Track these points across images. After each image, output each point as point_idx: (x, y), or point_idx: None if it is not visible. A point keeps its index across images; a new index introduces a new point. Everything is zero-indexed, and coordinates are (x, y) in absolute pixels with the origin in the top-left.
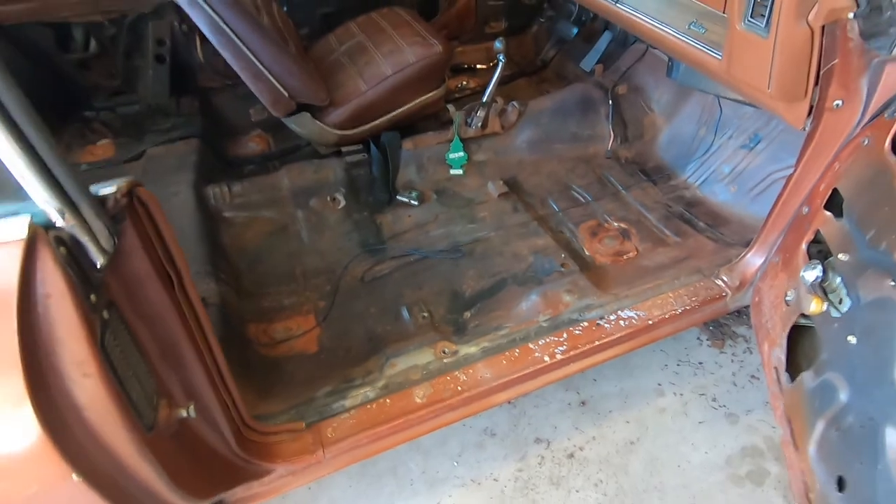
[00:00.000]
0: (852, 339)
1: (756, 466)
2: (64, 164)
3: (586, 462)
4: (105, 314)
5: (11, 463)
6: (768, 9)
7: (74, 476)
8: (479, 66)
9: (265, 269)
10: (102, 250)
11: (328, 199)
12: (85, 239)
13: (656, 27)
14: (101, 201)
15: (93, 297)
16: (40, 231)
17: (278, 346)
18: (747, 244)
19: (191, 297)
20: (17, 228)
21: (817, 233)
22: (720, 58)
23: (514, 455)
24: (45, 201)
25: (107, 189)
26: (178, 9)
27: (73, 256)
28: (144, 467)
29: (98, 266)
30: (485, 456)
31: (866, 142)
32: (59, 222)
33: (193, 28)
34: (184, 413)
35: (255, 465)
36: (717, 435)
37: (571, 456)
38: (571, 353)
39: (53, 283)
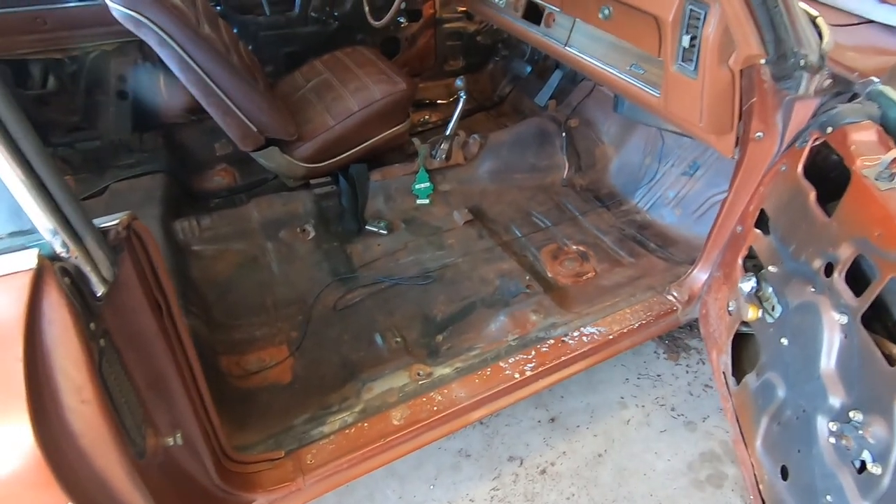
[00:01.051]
0: (785, 341)
1: (715, 470)
2: (71, 198)
3: (558, 477)
4: (102, 342)
5: (8, 489)
6: (695, 54)
7: None
8: (439, 102)
9: (236, 301)
10: (103, 280)
11: (298, 230)
12: (87, 269)
13: (601, 68)
14: (103, 234)
15: (92, 325)
16: (47, 263)
17: (252, 378)
18: (693, 262)
19: (178, 327)
20: (26, 260)
21: (751, 248)
22: (658, 95)
23: (489, 474)
24: (52, 234)
25: (108, 222)
26: (141, 46)
27: (76, 286)
28: (135, 495)
29: (98, 295)
30: (460, 477)
31: (784, 168)
32: (65, 254)
33: (157, 64)
34: (171, 441)
35: (236, 496)
36: (679, 442)
37: (544, 472)
38: (540, 369)
39: (57, 312)
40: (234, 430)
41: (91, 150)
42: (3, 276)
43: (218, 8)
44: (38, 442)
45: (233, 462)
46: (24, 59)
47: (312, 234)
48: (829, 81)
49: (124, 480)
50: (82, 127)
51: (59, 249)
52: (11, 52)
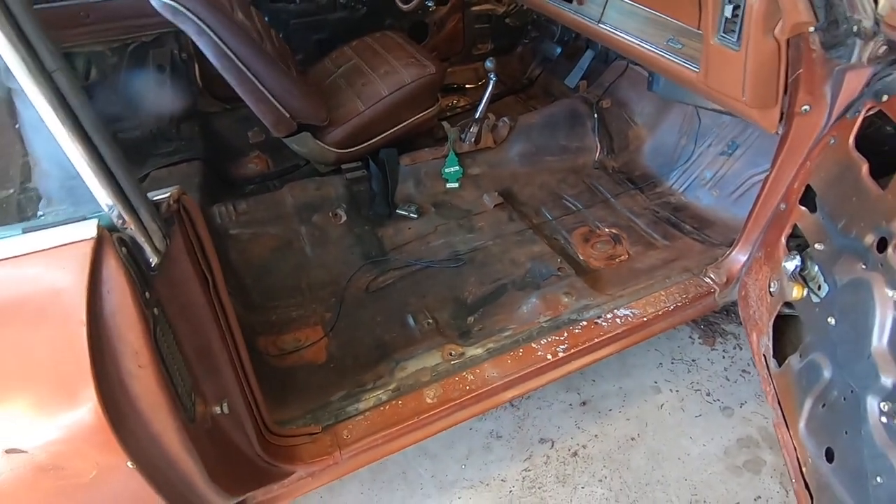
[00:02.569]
0: (832, 321)
1: (752, 456)
2: (127, 172)
3: (590, 459)
4: (155, 311)
5: (72, 447)
6: (738, 25)
7: (129, 463)
8: (468, 86)
9: (272, 284)
10: (157, 251)
11: (330, 214)
12: (142, 240)
13: (637, 44)
14: (156, 206)
15: (147, 294)
16: (106, 233)
17: (288, 357)
18: (731, 243)
19: (223, 300)
20: (86, 230)
21: (795, 227)
22: (697, 70)
23: (520, 455)
24: (109, 207)
25: (161, 195)
26: (178, 37)
27: (132, 256)
28: (186, 458)
29: (152, 265)
30: (492, 458)
31: (833, 141)
32: (121, 225)
33: (192, 55)
34: (218, 409)
35: (277, 467)
36: (714, 427)
37: (575, 454)
38: (573, 350)
39: (116, 280)
40: (273, 406)
41: (131, 140)
42: (67, 244)
43: None
44: (100, 403)
45: (273, 435)
46: (69, 52)
47: (344, 218)
48: (883, 48)
49: (177, 443)
50: (123, 117)
51: (115, 221)
52: (59, 45)
